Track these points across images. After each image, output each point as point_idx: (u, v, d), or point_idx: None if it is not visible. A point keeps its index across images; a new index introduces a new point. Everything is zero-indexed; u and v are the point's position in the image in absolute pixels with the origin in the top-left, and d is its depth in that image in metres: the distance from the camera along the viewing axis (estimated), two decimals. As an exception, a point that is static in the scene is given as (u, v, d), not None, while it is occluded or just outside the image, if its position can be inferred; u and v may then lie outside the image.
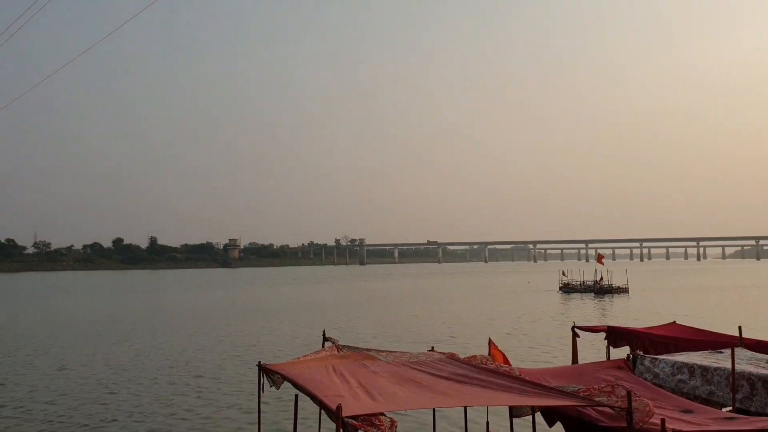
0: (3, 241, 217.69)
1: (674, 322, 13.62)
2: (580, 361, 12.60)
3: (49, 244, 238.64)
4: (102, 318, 45.51)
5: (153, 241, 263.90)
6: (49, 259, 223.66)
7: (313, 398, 6.55)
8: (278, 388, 8.46)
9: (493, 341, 11.04)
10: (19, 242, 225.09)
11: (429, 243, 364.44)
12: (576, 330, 13.29)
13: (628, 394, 5.36)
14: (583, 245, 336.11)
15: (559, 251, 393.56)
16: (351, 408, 5.69)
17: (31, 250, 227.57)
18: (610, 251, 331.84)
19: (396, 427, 5.75)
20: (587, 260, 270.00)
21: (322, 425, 10.21)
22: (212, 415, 16.55)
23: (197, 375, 22.19)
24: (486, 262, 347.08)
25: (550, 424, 7.22)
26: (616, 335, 13.13)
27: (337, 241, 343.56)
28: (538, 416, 7.75)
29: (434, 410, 9.42)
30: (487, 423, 10.64)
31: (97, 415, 16.60)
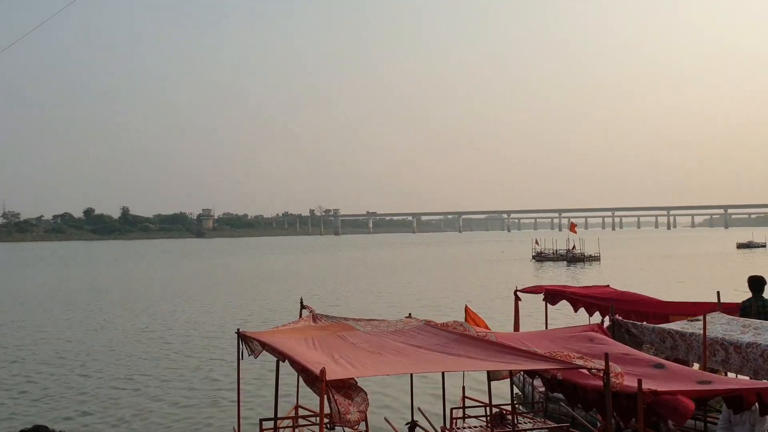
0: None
1: (608, 285, 13.94)
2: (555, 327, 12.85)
3: (18, 214, 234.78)
4: (76, 289, 45.08)
5: (125, 211, 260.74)
6: (18, 229, 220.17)
7: (295, 364, 6.59)
8: (257, 356, 8.50)
9: (470, 308, 11.19)
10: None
11: (403, 213, 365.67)
12: (518, 294, 13.50)
13: (606, 355, 5.48)
14: (556, 214, 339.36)
15: (532, 220, 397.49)
16: (334, 373, 5.76)
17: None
18: (583, 220, 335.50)
19: (367, 404, 5.91)
20: (560, 229, 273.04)
21: (300, 392, 10.30)
22: (191, 383, 16.57)
23: (174, 344, 22.17)
24: (460, 232, 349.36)
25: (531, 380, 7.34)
26: (553, 295, 13.47)
27: (311, 211, 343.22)
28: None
29: (412, 378, 9.54)
30: (463, 388, 10.81)
31: (75, 388, 16.55)
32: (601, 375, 5.52)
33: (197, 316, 29.61)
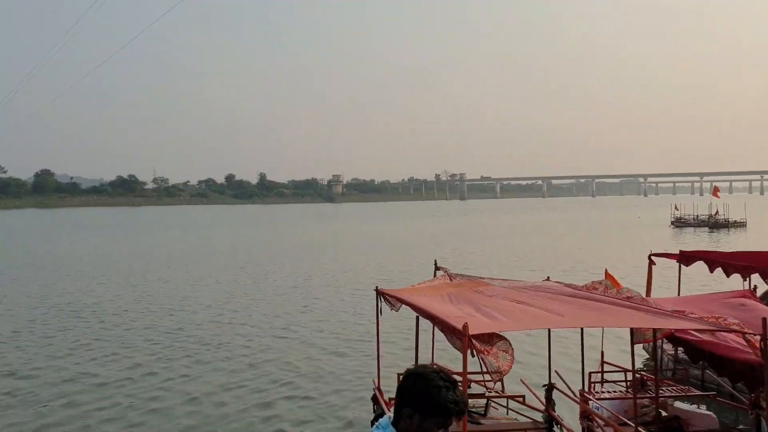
0: (126, 177, 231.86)
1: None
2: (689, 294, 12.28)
3: (167, 180, 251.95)
4: (223, 249, 48.11)
5: (262, 177, 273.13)
6: (168, 194, 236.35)
7: (435, 319, 6.73)
8: (397, 310, 8.78)
9: (610, 272, 10.89)
10: (141, 178, 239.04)
11: (532, 177, 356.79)
12: (653, 258, 12.94)
13: (763, 321, 5.21)
14: (697, 178, 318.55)
15: (671, 185, 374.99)
16: (476, 327, 5.80)
17: (150, 186, 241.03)
18: (727, 184, 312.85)
19: (512, 356, 5.81)
20: (701, 194, 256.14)
21: (435, 346, 10.55)
22: (334, 336, 17.52)
23: (318, 300, 23.34)
24: (593, 196, 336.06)
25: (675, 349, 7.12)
26: (688, 257, 12.82)
27: (437, 176, 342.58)
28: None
29: (550, 340, 9.46)
30: (602, 353, 10.61)
31: (244, 336, 17.90)
32: (757, 342, 5.26)
33: (336, 276, 30.89)
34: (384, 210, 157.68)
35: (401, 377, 3.12)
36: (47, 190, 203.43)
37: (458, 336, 5.72)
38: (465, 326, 5.54)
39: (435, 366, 9.98)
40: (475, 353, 5.59)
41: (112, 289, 27.37)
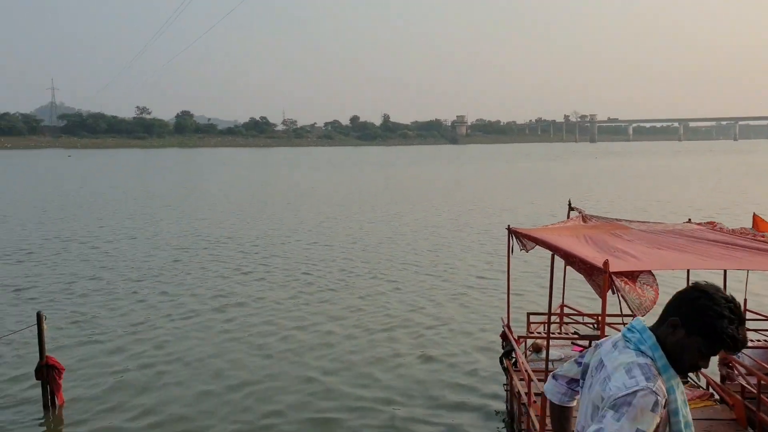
0: (258, 119, 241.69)
1: None
2: None
3: (296, 121, 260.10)
4: (350, 188, 49.47)
5: (386, 118, 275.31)
6: (296, 135, 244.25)
7: (571, 258, 6.67)
8: (528, 251, 8.78)
9: (759, 216, 10.28)
10: (271, 120, 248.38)
11: (667, 119, 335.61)
12: None
13: None
14: None
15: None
16: (616, 265, 5.71)
17: (280, 128, 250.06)
18: None
19: (657, 291, 5.67)
20: None
21: (566, 284, 10.54)
22: (464, 275, 17.87)
23: (447, 239, 23.71)
24: (736, 140, 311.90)
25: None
26: None
27: (566, 117, 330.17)
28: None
29: (688, 278, 9.14)
30: (745, 300, 10.14)
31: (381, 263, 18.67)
32: None
33: (464, 215, 31.06)
34: (510, 151, 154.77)
35: (686, 288, 2.83)
36: (187, 130, 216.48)
37: (598, 274, 5.65)
38: (606, 263, 5.45)
39: (565, 305, 9.86)
40: (615, 291, 5.52)
41: (252, 222, 29.05)
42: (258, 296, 15.74)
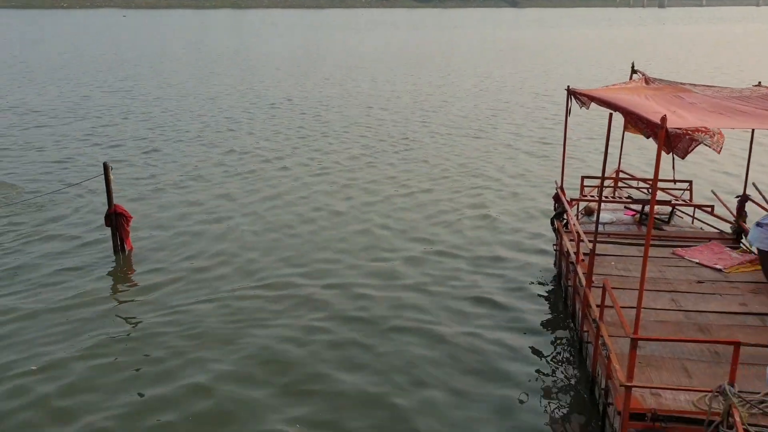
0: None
1: None
2: None
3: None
4: (411, 50, 48.33)
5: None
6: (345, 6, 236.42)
7: (628, 114, 6.46)
8: (588, 107, 8.59)
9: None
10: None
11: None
12: None
13: None
14: None
15: None
16: (674, 122, 5.56)
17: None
18: None
19: (721, 140, 5.45)
20: None
21: (623, 149, 10.41)
22: (522, 137, 17.85)
23: (507, 102, 23.46)
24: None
25: None
26: None
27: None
28: None
29: (752, 141, 8.86)
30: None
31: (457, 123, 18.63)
32: None
33: (523, 79, 30.33)
34: (571, 16, 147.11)
35: None
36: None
37: (654, 129, 5.50)
38: (663, 118, 5.27)
39: (620, 170, 9.78)
40: (671, 150, 5.43)
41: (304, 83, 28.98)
42: (321, 155, 16.07)
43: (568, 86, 8.95)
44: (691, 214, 9.85)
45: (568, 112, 9.06)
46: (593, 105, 8.15)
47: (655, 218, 9.07)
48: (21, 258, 9.26)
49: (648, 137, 6.16)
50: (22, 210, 11.23)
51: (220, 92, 26.94)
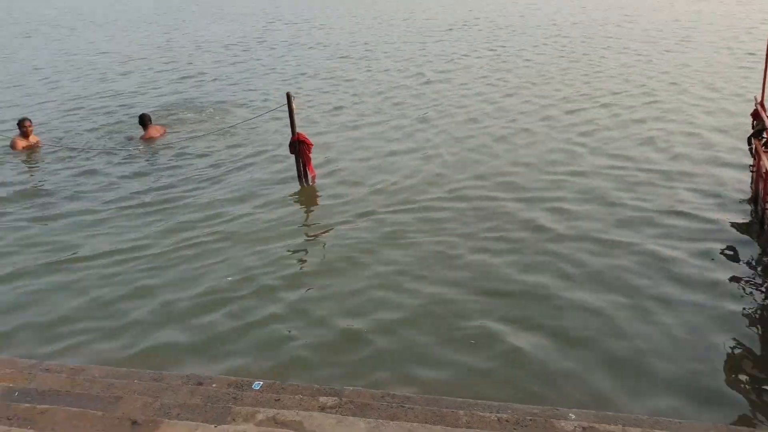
0: None
1: None
2: None
3: None
4: None
5: None
6: None
7: None
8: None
9: None
10: None
11: None
12: None
13: None
14: None
15: None
16: None
17: None
18: None
19: None
20: None
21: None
22: (717, 48, 16.44)
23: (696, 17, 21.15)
24: None
25: None
26: None
27: None
28: None
29: None
30: None
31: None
32: None
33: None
34: None
35: None
36: None
37: None
38: None
39: None
40: None
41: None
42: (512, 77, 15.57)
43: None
44: None
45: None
46: None
47: None
48: (218, 183, 9.72)
49: None
50: (216, 137, 11.85)
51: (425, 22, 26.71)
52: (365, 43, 21.79)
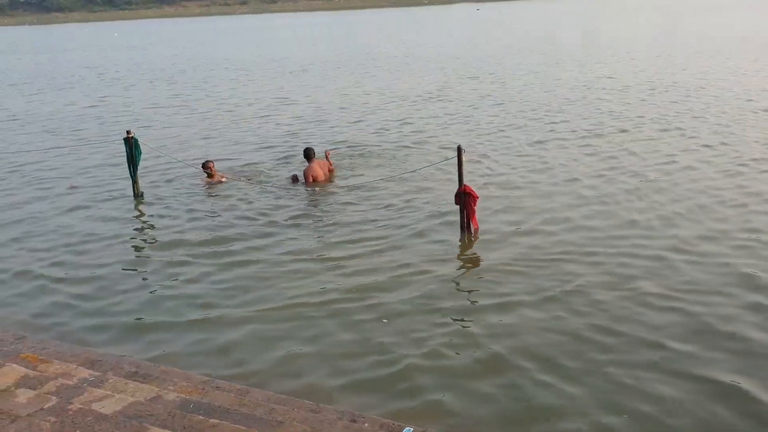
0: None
1: None
2: None
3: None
4: None
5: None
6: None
7: None
8: None
9: None
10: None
11: None
12: None
13: None
14: None
15: None
16: None
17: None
18: None
19: None
20: None
21: None
22: None
23: None
24: None
25: None
26: None
27: None
28: None
29: None
30: None
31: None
32: None
33: None
34: None
35: None
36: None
37: None
38: None
39: None
40: None
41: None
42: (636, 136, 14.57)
43: None
44: None
45: None
46: None
47: None
48: (380, 223, 10.04)
49: None
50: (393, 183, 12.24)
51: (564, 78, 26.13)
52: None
